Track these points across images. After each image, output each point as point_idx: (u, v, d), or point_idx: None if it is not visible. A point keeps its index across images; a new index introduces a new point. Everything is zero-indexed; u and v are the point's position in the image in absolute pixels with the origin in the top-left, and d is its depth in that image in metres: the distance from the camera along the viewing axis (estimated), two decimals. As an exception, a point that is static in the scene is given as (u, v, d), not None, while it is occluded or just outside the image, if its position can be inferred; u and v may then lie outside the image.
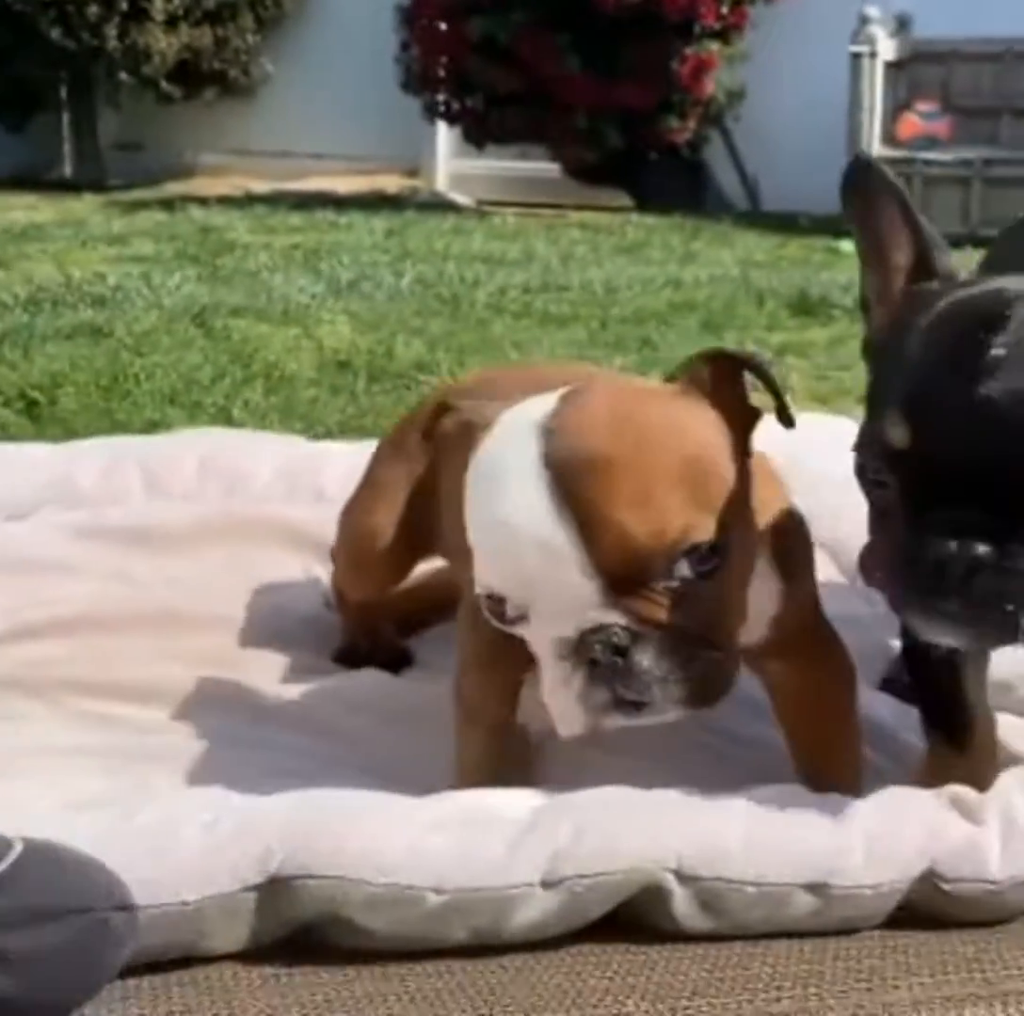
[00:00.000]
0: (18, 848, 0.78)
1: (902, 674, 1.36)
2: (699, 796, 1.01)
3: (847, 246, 6.95)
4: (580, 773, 1.14)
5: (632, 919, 0.96)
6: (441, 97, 8.09)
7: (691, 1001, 0.91)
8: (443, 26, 7.82)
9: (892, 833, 1.00)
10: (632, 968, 0.93)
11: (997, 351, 0.94)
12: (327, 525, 1.55)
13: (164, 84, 8.19)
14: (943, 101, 7.92)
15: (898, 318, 1.06)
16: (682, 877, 0.95)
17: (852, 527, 1.29)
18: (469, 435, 1.07)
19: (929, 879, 0.98)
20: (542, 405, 1.05)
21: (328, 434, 2.93)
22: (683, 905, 0.95)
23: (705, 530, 1.00)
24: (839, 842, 0.98)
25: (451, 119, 8.24)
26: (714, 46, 7.90)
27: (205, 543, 1.64)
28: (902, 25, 7.92)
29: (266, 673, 1.41)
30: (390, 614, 1.54)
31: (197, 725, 1.29)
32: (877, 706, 1.36)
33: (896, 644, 1.41)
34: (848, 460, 1.89)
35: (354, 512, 1.50)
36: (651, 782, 1.10)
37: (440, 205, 8.31)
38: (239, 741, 1.25)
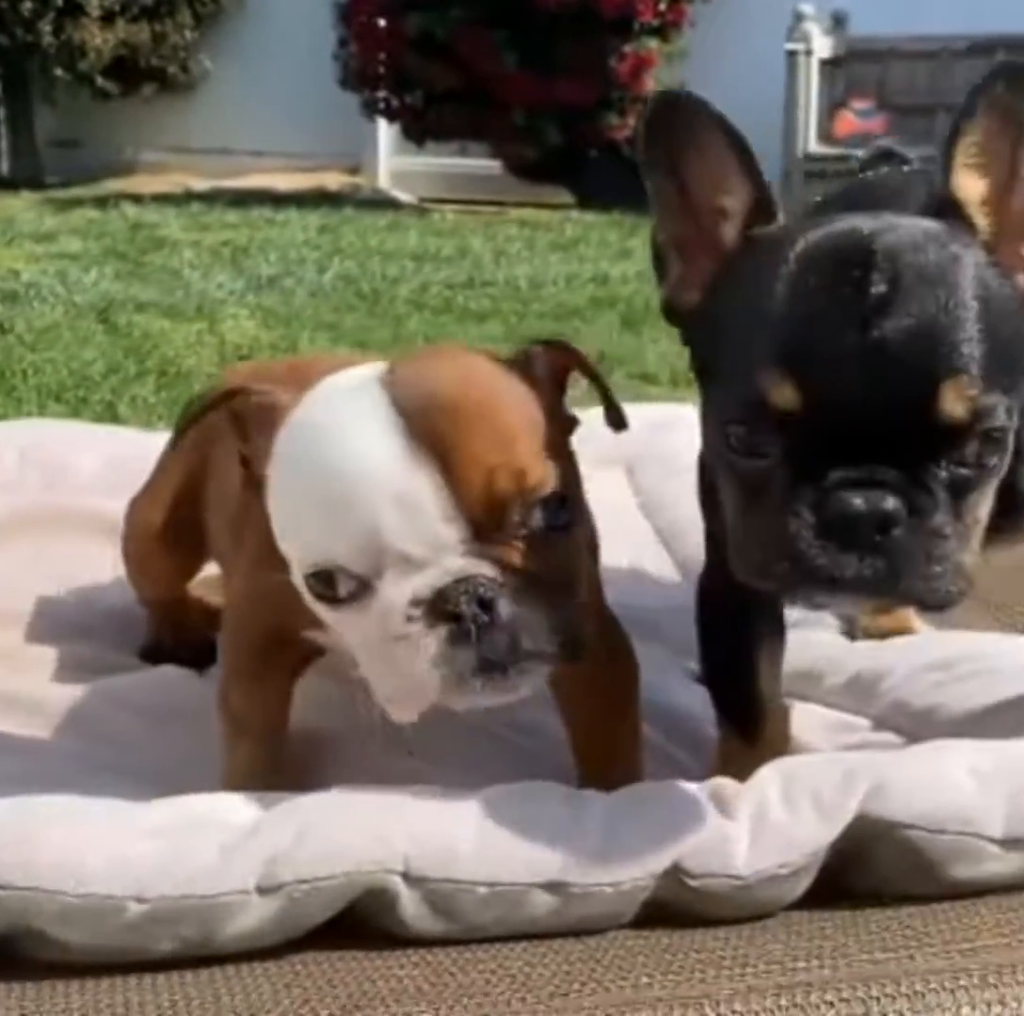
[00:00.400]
0: None
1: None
2: (433, 797, 0.97)
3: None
4: (367, 778, 1.10)
5: (360, 923, 0.92)
6: (380, 94, 8.04)
7: (416, 1007, 0.87)
8: (381, 23, 7.77)
9: (635, 829, 0.95)
10: (357, 975, 0.89)
11: (878, 288, 0.88)
12: None
13: (100, 80, 8.13)
14: (879, 99, 7.94)
15: (741, 267, 0.97)
16: (410, 879, 0.91)
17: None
18: (271, 415, 1.02)
19: (675, 874, 0.94)
20: (368, 370, 1.01)
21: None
22: (411, 907, 0.91)
23: (556, 482, 0.97)
24: (577, 840, 0.94)
25: (390, 116, 8.19)
26: (653, 43, 7.88)
27: (18, 534, 1.59)
28: (838, 23, 7.93)
29: (56, 671, 1.36)
30: (195, 607, 1.49)
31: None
32: (687, 698, 1.32)
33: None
34: (674, 443, 1.85)
35: (134, 509, 1.46)
36: (438, 782, 1.06)
37: (381, 202, 8.26)
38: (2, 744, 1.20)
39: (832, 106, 7.86)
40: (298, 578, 1.00)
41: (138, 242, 6.17)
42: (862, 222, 0.93)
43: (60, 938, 0.86)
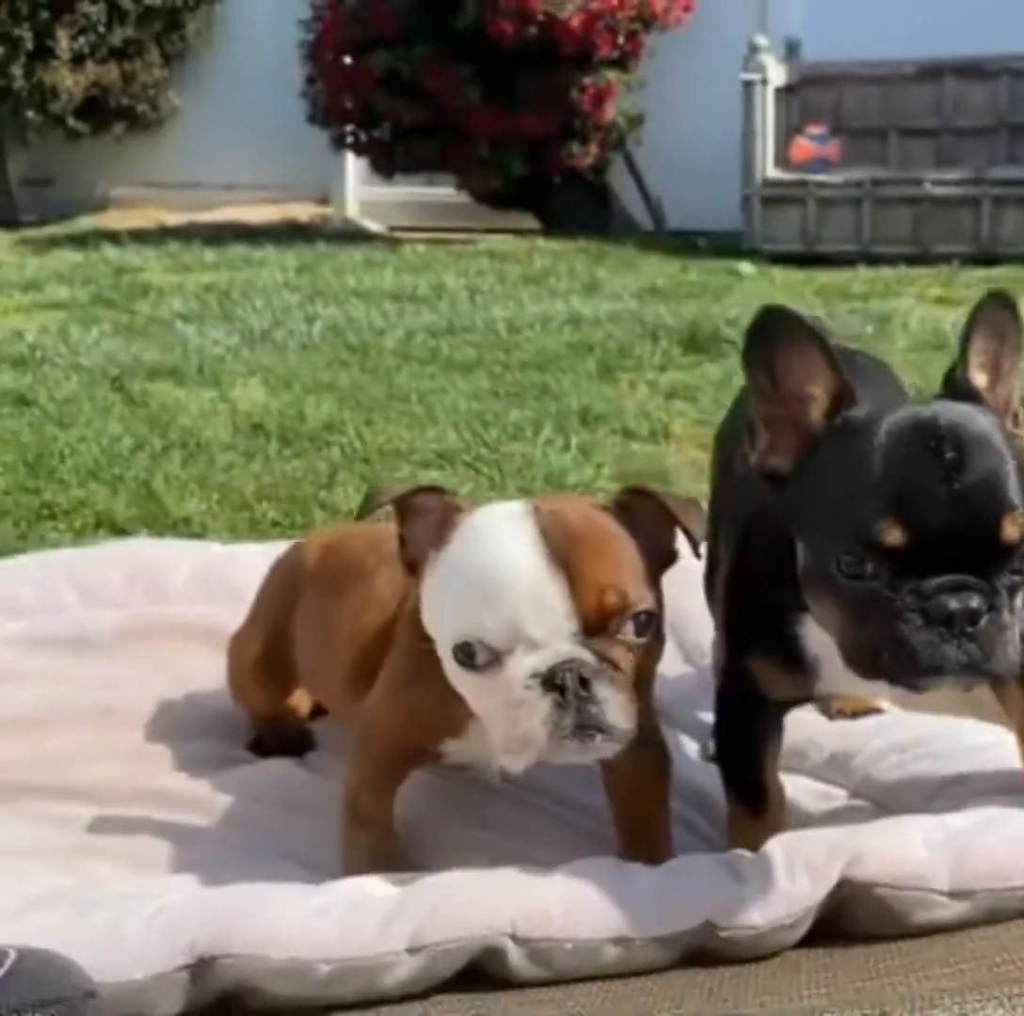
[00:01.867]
0: (12, 955, 1.06)
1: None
2: (529, 871, 1.32)
3: (747, 268, 7.32)
4: (452, 852, 1.45)
5: (477, 972, 1.27)
6: (348, 129, 8.36)
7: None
8: (347, 60, 8.09)
9: (676, 895, 1.31)
10: (477, 1006, 1.24)
11: (950, 454, 1.25)
12: (234, 622, 1.87)
13: (72, 121, 8.39)
14: (833, 123, 8.32)
15: (837, 443, 1.31)
16: (517, 939, 1.26)
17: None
18: (451, 516, 1.39)
19: (708, 928, 1.30)
20: (519, 505, 1.40)
21: (244, 504, 3.22)
22: (517, 960, 1.26)
23: (648, 603, 1.35)
24: (634, 903, 1.29)
25: (358, 150, 8.50)
26: (612, 74, 8.23)
27: (133, 646, 1.93)
28: (791, 50, 8.30)
29: (189, 766, 1.71)
30: (288, 707, 1.85)
31: (134, 820, 1.58)
32: (704, 777, 1.68)
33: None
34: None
35: (235, 645, 1.83)
36: (509, 851, 1.41)
37: (352, 234, 8.57)
38: (168, 832, 1.54)
39: (788, 132, 8.23)
40: (445, 649, 1.36)
41: (123, 288, 6.46)
42: (924, 408, 1.32)
43: (270, 991, 1.21)
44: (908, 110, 8.36)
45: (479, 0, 7.73)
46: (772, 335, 1.33)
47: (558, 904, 1.28)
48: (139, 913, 1.24)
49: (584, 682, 1.31)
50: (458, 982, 1.27)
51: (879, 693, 1.63)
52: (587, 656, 1.31)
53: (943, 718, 1.69)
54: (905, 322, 5.60)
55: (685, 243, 7.99)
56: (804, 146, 8.14)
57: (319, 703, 1.85)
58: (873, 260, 7.39)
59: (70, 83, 8.17)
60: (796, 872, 1.34)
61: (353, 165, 9.13)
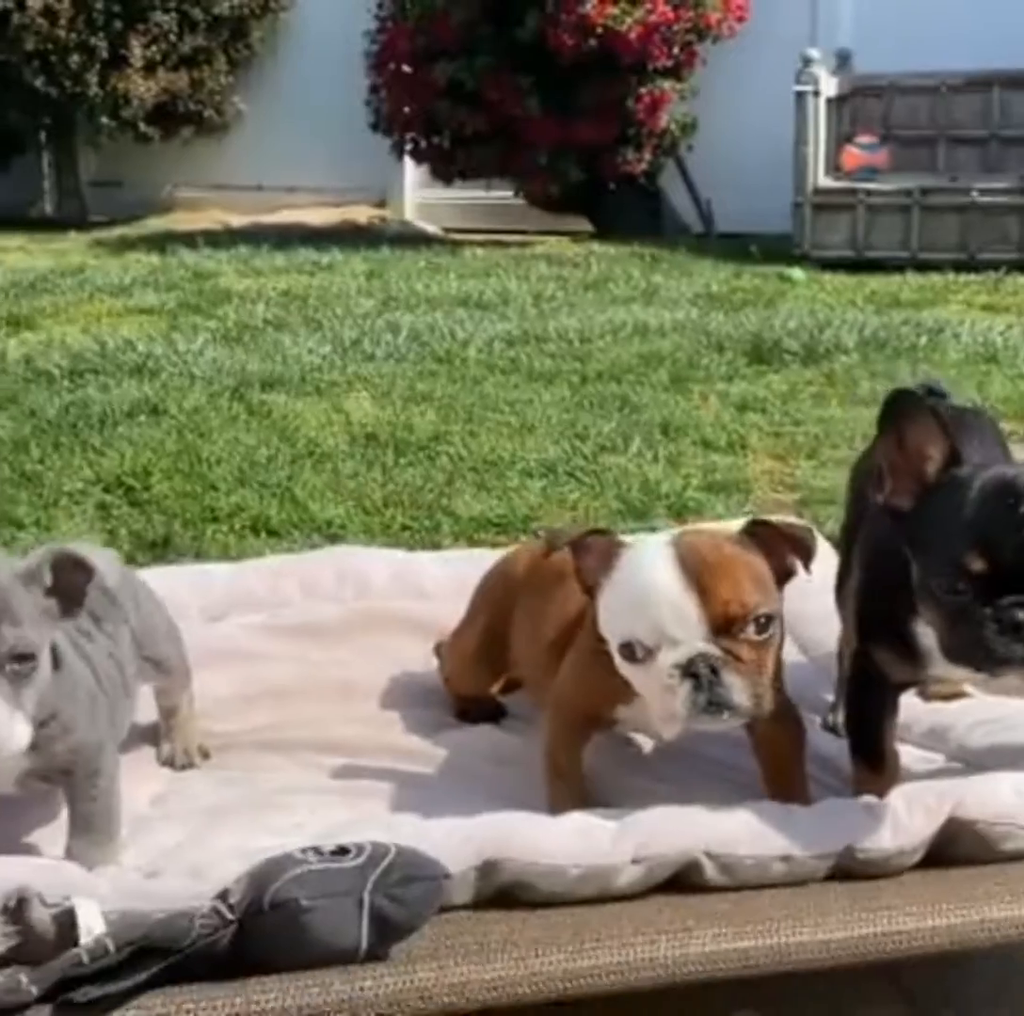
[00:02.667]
0: (393, 848, 1.53)
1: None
2: (715, 808, 1.80)
3: (798, 274, 7.76)
4: (635, 798, 1.94)
5: (679, 880, 1.75)
6: (409, 135, 8.84)
7: (711, 927, 1.70)
8: (411, 70, 8.57)
9: (826, 826, 1.79)
10: (681, 907, 1.72)
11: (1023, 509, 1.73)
12: (431, 615, 2.43)
13: (143, 126, 8.89)
14: (883, 132, 8.77)
15: (945, 492, 1.78)
16: (710, 856, 1.74)
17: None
18: (615, 550, 1.90)
19: (849, 852, 1.78)
20: (663, 537, 1.93)
21: (375, 510, 3.70)
22: (710, 872, 1.74)
23: (767, 608, 1.84)
24: (795, 831, 1.77)
25: (419, 157, 8.98)
26: (667, 84, 8.69)
27: (354, 633, 2.45)
28: (843, 61, 8.75)
29: (414, 729, 2.24)
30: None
31: (383, 769, 2.08)
32: (828, 744, 2.17)
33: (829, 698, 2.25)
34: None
35: (455, 639, 2.32)
36: (678, 798, 1.89)
37: (410, 236, 9.06)
38: (411, 779, 2.04)
39: (838, 141, 8.68)
40: (614, 647, 1.87)
41: (206, 294, 6.96)
42: (1010, 470, 1.81)
43: (536, 887, 1.69)
44: (956, 119, 8.80)
45: (540, 13, 8.20)
46: (900, 411, 1.84)
47: (741, 830, 1.77)
48: (439, 828, 1.73)
49: (714, 671, 1.81)
50: (664, 888, 1.75)
51: (968, 679, 2.11)
52: (715, 651, 1.81)
53: (1017, 702, 2.17)
54: (956, 333, 6.03)
55: (735, 247, 8.41)
56: (855, 155, 8.58)
57: (509, 681, 2.35)
58: (921, 266, 7.83)
59: (142, 90, 8.67)
60: (914, 812, 1.82)
61: (410, 169, 9.60)
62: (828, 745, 2.16)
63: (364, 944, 1.46)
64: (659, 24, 8.36)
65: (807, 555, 1.90)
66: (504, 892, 1.70)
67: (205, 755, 2.20)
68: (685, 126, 8.95)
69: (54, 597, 1.74)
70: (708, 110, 8.88)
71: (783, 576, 1.92)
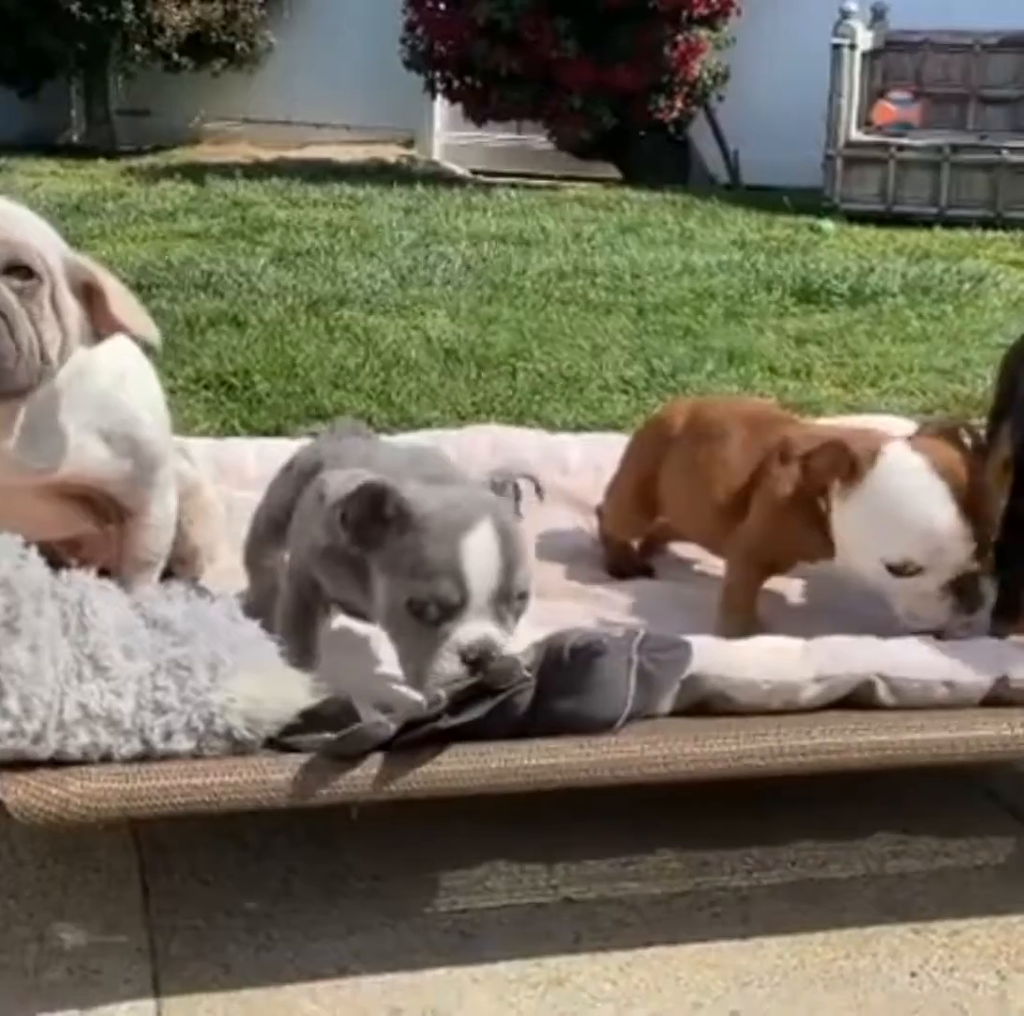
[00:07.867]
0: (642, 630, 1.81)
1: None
2: (887, 640, 2.06)
3: (829, 225, 7.99)
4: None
5: (854, 698, 2.00)
6: (443, 74, 9.00)
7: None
8: (443, 6, 8.74)
9: (983, 657, 2.04)
10: (843, 717, 1.97)
11: None
12: (576, 488, 2.71)
13: (176, 56, 9.02)
14: (916, 88, 8.99)
15: None
16: (883, 677, 1.99)
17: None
18: (858, 460, 2.15)
19: (1004, 680, 2.02)
20: (903, 449, 2.17)
21: (473, 415, 3.92)
22: (882, 693, 1.99)
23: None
24: (958, 660, 2.02)
25: (452, 96, 9.15)
26: (702, 32, 8.89)
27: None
28: (878, 16, 8.96)
29: (586, 580, 2.53)
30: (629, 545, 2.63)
31: (574, 609, 2.35)
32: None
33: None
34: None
35: (611, 489, 2.56)
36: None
37: (439, 175, 9.23)
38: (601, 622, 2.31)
39: (872, 95, 8.89)
40: (873, 561, 2.15)
41: (249, 221, 7.13)
42: None
43: (733, 698, 1.94)
44: (988, 79, 9.02)
45: (581, -45, 8.37)
46: None
47: (911, 657, 2.03)
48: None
49: (975, 585, 2.15)
50: (839, 706, 2.00)
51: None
52: (976, 568, 2.15)
53: None
54: (997, 281, 6.27)
55: (764, 199, 8.62)
56: (887, 109, 8.80)
57: (648, 541, 2.59)
58: (949, 222, 8.07)
59: (177, 19, 8.79)
60: (1055, 650, 2.08)
61: (440, 109, 9.76)
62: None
63: (630, 700, 1.71)
64: (698, -29, 8.54)
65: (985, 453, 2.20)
66: (703, 703, 1.95)
67: None
68: (717, 76, 9.13)
69: None
70: (740, 61, 9.06)
71: None
